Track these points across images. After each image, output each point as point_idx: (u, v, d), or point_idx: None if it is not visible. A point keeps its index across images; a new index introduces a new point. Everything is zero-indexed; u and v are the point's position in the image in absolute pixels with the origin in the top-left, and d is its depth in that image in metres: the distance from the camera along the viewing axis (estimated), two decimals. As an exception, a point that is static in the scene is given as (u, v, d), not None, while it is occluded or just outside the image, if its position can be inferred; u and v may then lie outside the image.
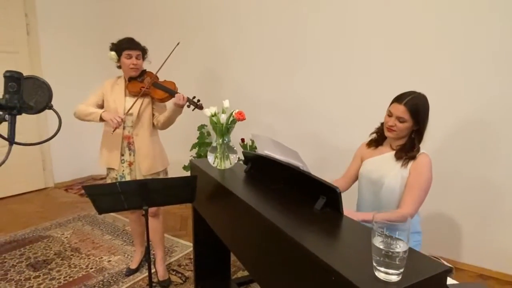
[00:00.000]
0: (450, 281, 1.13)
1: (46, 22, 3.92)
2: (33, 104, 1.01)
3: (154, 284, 2.09)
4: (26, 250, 2.59)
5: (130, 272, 2.24)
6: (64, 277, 2.21)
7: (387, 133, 1.50)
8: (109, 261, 2.43)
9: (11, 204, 3.63)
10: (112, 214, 3.29)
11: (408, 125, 1.42)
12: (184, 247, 2.64)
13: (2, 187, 3.77)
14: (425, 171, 1.40)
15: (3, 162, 0.91)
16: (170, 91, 2.04)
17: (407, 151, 1.44)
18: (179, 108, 1.99)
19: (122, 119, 1.91)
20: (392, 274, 0.67)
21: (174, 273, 2.27)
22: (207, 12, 3.40)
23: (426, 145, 1.49)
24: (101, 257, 2.48)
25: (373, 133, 1.63)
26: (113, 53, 2.02)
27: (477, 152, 2.20)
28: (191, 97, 2.06)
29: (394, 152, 1.49)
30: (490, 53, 2.07)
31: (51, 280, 2.18)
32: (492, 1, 2.04)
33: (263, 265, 1.09)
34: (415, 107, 1.40)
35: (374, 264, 0.70)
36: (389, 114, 1.47)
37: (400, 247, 0.67)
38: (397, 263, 0.67)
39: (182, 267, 2.35)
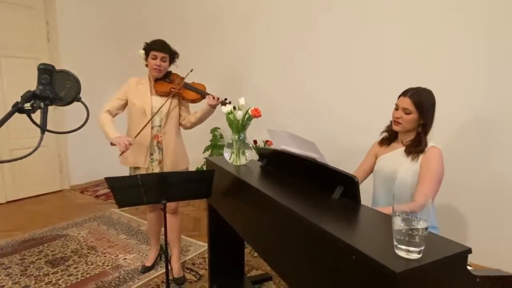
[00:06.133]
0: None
1: (65, 30, 4.08)
2: (63, 95, 1.07)
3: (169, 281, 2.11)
4: (44, 247, 2.65)
5: (145, 269, 2.28)
6: (81, 274, 2.26)
7: (394, 127, 1.55)
8: (125, 259, 2.47)
9: (28, 205, 3.73)
10: (127, 214, 3.35)
11: (414, 117, 1.47)
12: (198, 246, 2.66)
13: (20, 189, 3.88)
14: (435, 162, 1.43)
15: (36, 149, 0.95)
16: (202, 92, 2.14)
17: (416, 145, 1.49)
18: (212, 108, 2.08)
19: (130, 143, 1.89)
20: (413, 251, 0.69)
21: (188, 271, 2.30)
22: (226, 16, 3.48)
23: (440, 144, 1.50)
24: (117, 255, 2.52)
25: (383, 131, 1.68)
26: (142, 51, 2.11)
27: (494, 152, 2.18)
28: (222, 98, 2.12)
29: (404, 147, 1.53)
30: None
31: (69, 276, 2.22)
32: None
33: (282, 253, 1.11)
34: (420, 100, 1.46)
35: (395, 243, 0.72)
36: (396, 108, 1.54)
37: (420, 225, 0.68)
38: (417, 240, 0.68)
39: (196, 265, 2.38)
